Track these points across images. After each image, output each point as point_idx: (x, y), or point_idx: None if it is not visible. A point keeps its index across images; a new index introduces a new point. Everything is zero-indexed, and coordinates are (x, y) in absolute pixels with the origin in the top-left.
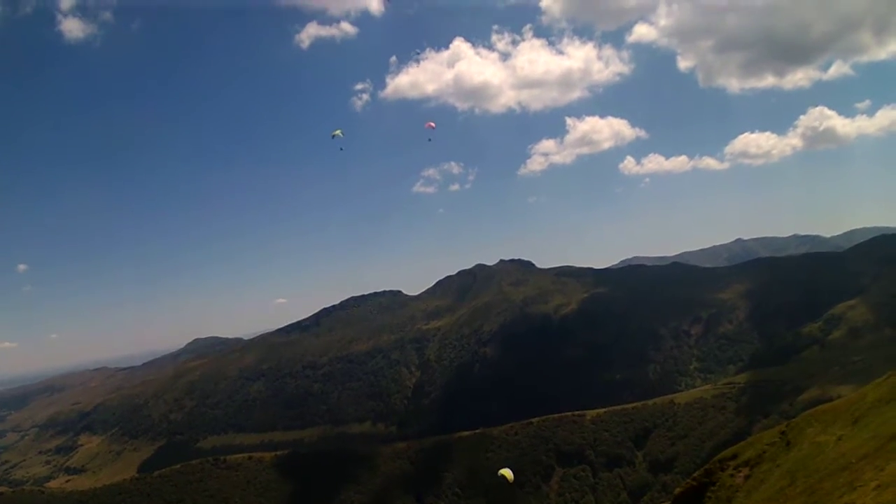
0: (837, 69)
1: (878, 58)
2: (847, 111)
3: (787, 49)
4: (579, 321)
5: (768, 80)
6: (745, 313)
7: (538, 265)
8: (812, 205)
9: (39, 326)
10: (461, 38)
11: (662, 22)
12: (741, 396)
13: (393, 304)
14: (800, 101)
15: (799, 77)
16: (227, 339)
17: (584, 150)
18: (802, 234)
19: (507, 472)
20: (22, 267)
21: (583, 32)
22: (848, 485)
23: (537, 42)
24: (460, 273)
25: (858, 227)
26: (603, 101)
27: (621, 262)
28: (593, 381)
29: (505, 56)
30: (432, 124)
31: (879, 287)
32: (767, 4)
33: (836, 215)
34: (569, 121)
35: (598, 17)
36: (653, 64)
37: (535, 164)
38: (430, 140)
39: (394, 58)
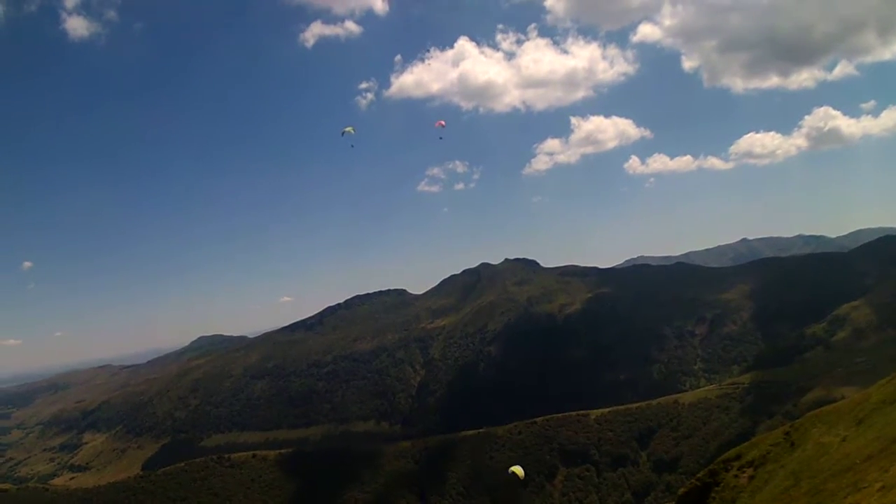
0: (842, 69)
1: (883, 58)
2: (852, 111)
3: (791, 49)
4: (584, 321)
5: (773, 81)
6: (749, 313)
7: (543, 264)
8: (817, 205)
9: (44, 324)
10: (466, 38)
11: (667, 22)
12: (745, 397)
13: (397, 302)
14: (804, 102)
15: (804, 77)
16: (231, 338)
17: (589, 149)
18: (807, 234)
19: (518, 470)
20: (27, 264)
21: (587, 32)
22: (852, 486)
23: (542, 41)
24: (465, 272)
25: (863, 227)
26: (608, 100)
27: (626, 261)
28: (597, 381)
29: (510, 55)
30: (442, 123)
31: (884, 288)
32: (772, 4)
33: (841, 215)
34: (573, 120)
35: (602, 16)
36: (657, 64)
37: (540, 163)
38: (440, 138)
39: (398, 57)
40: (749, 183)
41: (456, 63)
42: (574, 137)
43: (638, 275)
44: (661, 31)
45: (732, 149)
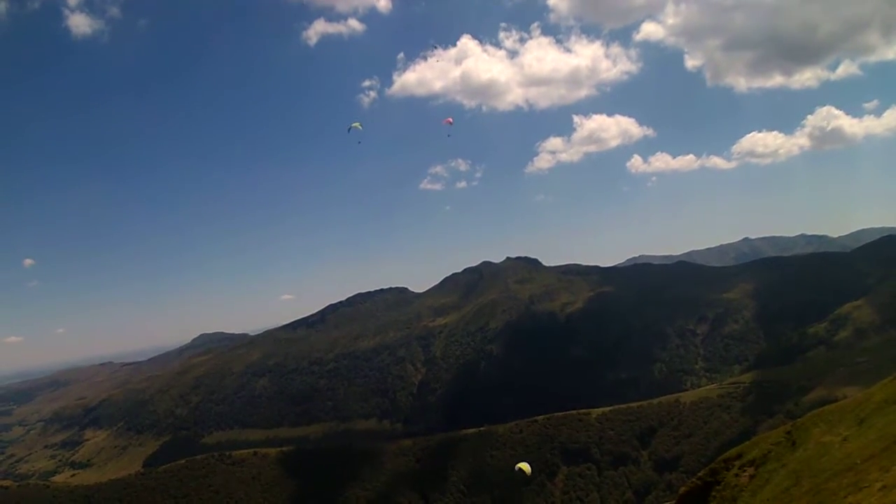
0: (845, 69)
1: (886, 58)
2: (855, 111)
3: (794, 48)
4: (585, 319)
5: (776, 80)
6: (751, 313)
7: (545, 263)
8: (819, 204)
9: (45, 321)
10: (469, 36)
11: (670, 21)
12: (747, 396)
13: (399, 300)
14: (807, 101)
15: (807, 76)
16: (233, 335)
17: (592, 148)
18: (809, 233)
19: (525, 466)
20: (28, 262)
21: (590, 31)
22: (853, 485)
23: (545, 40)
24: (466, 270)
25: (865, 227)
26: (610, 99)
27: (628, 260)
28: (599, 380)
29: (512, 54)
30: (450, 120)
31: (886, 287)
32: (775, 4)
33: (844, 215)
34: (576, 119)
35: (605, 15)
36: (660, 62)
37: (543, 161)
38: (449, 135)
39: (401, 55)
40: (751, 182)
41: (459, 61)
42: (576, 136)
43: (640, 274)
44: (664, 29)
45: (735, 148)
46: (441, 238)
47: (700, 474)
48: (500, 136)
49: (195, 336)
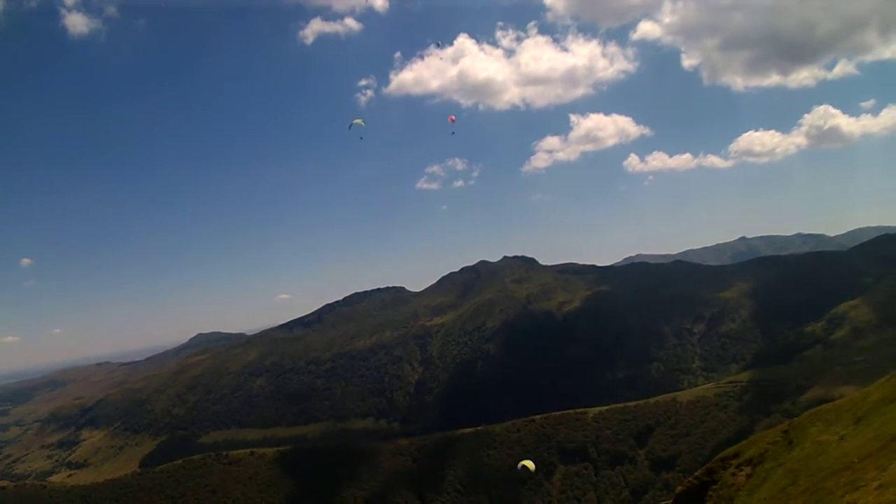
0: (842, 68)
1: (883, 57)
2: (852, 110)
3: (791, 47)
4: (582, 319)
5: (773, 79)
6: (748, 312)
7: (541, 262)
8: (816, 203)
9: (42, 321)
10: (465, 35)
11: (667, 19)
12: (744, 395)
13: (396, 300)
14: (804, 100)
15: (804, 76)
16: (229, 335)
17: (589, 147)
18: (806, 232)
19: (528, 464)
20: (25, 261)
21: (587, 30)
22: (850, 484)
23: (542, 39)
24: (463, 270)
25: (862, 226)
26: (607, 98)
27: (625, 259)
28: (596, 379)
29: (509, 53)
30: (453, 118)
31: (883, 286)
32: (772, 3)
33: (840, 214)
34: (573, 118)
35: (602, 14)
36: (657, 61)
37: (539, 160)
38: (453, 133)
39: (398, 54)
40: (748, 181)
41: (455, 60)
42: (573, 135)
43: (637, 273)
44: (661, 28)
45: (732, 147)
46: (438, 237)
47: (697, 473)
48: (496, 136)
49: (192, 336)
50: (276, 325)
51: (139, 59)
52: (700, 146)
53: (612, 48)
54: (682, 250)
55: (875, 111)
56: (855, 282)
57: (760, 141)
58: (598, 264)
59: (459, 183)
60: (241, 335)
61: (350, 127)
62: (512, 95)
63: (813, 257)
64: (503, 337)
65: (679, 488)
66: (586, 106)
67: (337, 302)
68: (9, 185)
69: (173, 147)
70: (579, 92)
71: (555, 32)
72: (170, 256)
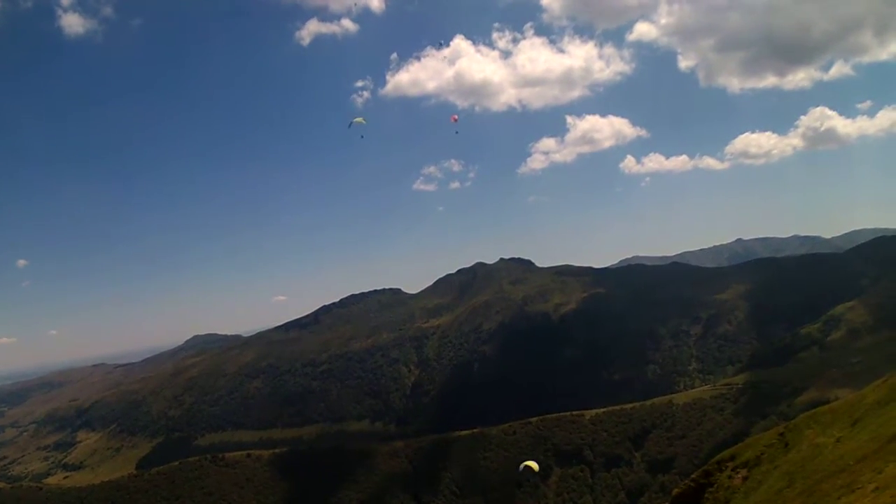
0: (838, 69)
1: (880, 58)
2: (848, 111)
3: (788, 49)
4: (579, 320)
5: (769, 80)
6: (744, 314)
7: (538, 264)
8: (812, 205)
9: (38, 322)
10: (462, 36)
11: (663, 21)
12: (740, 397)
13: (392, 301)
14: (801, 102)
15: (800, 77)
16: (226, 336)
17: (585, 148)
18: (802, 234)
19: (532, 464)
20: (21, 262)
21: (584, 31)
22: (846, 487)
23: (538, 40)
24: (460, 271)
25: (859, 227)
26: (603, 99)
27: (621, 261)
28: (592, 381)
29: (506, 54)
30: (455, 117)
31: (879, 288)
32: (769, 4)
33: (837, 216)
34: (569, 119)
35: (598, 15)
36: (653, 63)
37: (536, 162)
38: (456, 132)
39: (394, 55)
40: (744, 183)
41: (452, 61)
42: (570, 136)
43: (633, 274)
44: (657, 29)
45: (728, 149)
46: (434, 239)
47: (693, 476)
48: (493, 137)
49: (188, 337)
50: (272, 326)
51: (135, 59)
52: (696, 148)
53: (609, 49)
54: (678, 252)
55: (871, 113)
56: (851, 283)
57: (757, 142)
58: (595, 266)
59: (456, 184)
60: (237, 337)
61: (350, 125)
62: (508, 97)
63: (809, 259)
64: (499, 339)
65: (675, 491)
66: (583, 107)
67: (333, 303)
68: (4, 186)
69: (169, 148)
70: (576, 93)
71: (551, 34)
72: (166, 258)
